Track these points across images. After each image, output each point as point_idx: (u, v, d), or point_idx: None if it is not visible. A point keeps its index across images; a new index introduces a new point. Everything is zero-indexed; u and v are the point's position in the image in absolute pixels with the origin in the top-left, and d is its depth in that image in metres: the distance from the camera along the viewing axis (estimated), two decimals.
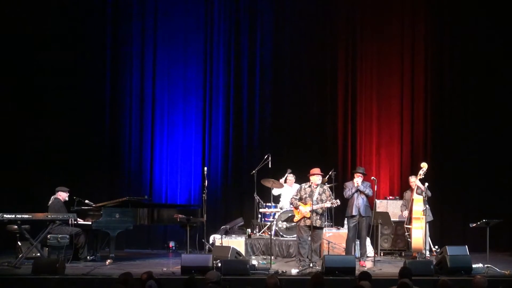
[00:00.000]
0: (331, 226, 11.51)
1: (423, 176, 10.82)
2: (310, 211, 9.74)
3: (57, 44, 12.73)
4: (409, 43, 13.27)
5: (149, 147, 13.18)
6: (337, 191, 11.06)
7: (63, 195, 10.48)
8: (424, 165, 10.82)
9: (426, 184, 10.84)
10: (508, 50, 12.85)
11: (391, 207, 11.76)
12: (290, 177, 12.05)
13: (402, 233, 11.47)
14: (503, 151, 12.81)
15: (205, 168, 11.30)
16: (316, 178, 10.00)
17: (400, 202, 11.74)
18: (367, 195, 10.42)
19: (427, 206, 10.88)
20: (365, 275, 7.12)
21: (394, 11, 13.35)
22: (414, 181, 10.89)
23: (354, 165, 12.85)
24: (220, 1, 13.44)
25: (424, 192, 10.77)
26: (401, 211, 11.38)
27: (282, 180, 12.05)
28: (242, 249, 10.64)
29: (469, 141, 13.04)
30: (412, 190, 10.97)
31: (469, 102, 13.13)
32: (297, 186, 11.47)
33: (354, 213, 10.32)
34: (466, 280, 8.24)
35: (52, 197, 10.46)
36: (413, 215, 10.77)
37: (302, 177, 10.97)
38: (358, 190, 10.32)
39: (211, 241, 11.24)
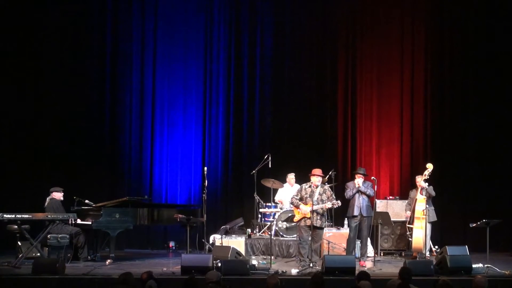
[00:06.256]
0: (331, 226, 11.51)
1: (428, 177, 10.82)
2: (310, 211, 9.74)
3: (56, 44, 12.74)
4: (409, 43, 13.27)
5: (149, 147, 13.18)
6: (337, 191, 11.06)
7: (57, 195, 10.46)
8: (430, 166, 10.80)
9: (426, 184, 10.83)
10: (509, 50, 12.85)
11: (391, 207, 11.75)
12: (291, 176, 12.06)
13: (403, 232, 11.48)
14: (503, 151, 12.81)
15: (205, 168, 11.31)
16: (315, 179, 10.00)
17: (400, 202, 11.75)
18: (368, 196, 10.44)
19: (432, 206, 10.89)
20: (364, 275, 7.12)
21: (394, 12, 13.36)
22: (419, 181, 10.88)
23: (354, 165, 12.86)
24: (220, 1, 13.45)
25: (427, 192, 10.76)
26: (405, 210, 11.35)
27: (286, 185, 12.05)
28: (242, 249, 10.64)
29: (469, 141, 13.04)
30: (417, 189, 10.95)
31: (469, 102, 13.13)
32: (297, 185, 11.50)
33: (355, 213, 10.33)
34: (466, 280, 8.25)
35: (47, 198, 10.44)
36: (415, 215, 10.78)
37: (302, 177, 10.97)
38: (359, 191, 10.33)
39: (211, 241, 11.24)
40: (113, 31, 13.18)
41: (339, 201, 9.96)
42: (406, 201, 11.50)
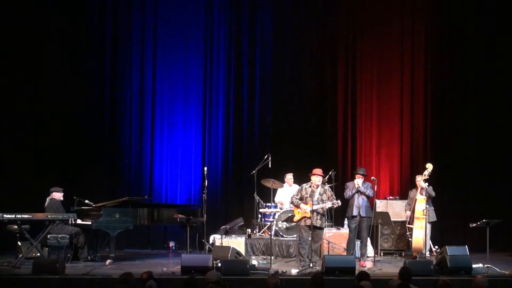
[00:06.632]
0: (331, 226, 11.51)
1: (428, 177, 10.82)
2: (310, 211, 9.74)
3: (57, 44, 12.73)
4: (409, 43, 13.27)
5: (149, 147, 13.17)
6: (337, 191, 11.06)
7: (57, 195, 10.46)
8: (429, 166, 10.80)
9: (426, 184, 10.84)
10: (509, 50, 12.84)
11: (391, 207, 11.75)
12: (289, 176, 12.07)
13: (402, 233, 11.48)
14: (503, 151, 12.81)
15: (205, 168, 11.31)
16: (315, 178, 10.01)
17: (400, 202, 11.75)
18: (367, 196, 10.44)
19: (432, 206, 10.90)
20: (364, 275, 7.12)
21: (394, 12, 13.36)
22: (419, 181, 10.88)
23: (354, 165, 12.86)
24: (220, 1, 13.45)
25: (427, 192, 10.77)
26: (405, 210, 11.36)
27: (285, 185, 12.06)
28: (242, 249, 10.64)
29: (469, 141, 13.04)
30: (417, 189, 10.96)
31: (469, 102, 13.13)
32: (296, 185, 11.49)
33: (354, 213, 10.34)
34: (466, 280, 8.25)
35: (47, 198, 10.44)
36: (415, 215, 10.78)
37: (302, 177, 10.97)
38: (358, 191, 10.34)
39: (211, 241, 11.25)
40: (113, 31, 13.18)
41: (339, 201, 9.97)
42: (406, 201, 11.51)
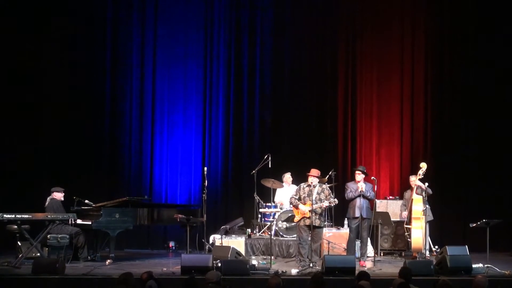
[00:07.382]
0: (331, 226, 11.51)
1: (422, 176, 10.83)
2: (309, 211, 9.74)
3: (57, 45, 12.74)
4: (409, 43, 13.28)
5: (149, 147, 13.18)
6: (337, 191, 11.06)
7: (58, 195, 10.46)
8: (424, 165, 10.83)
9: (426, 184, 10.85)
10: (509, 50, 12.84)
11: (391, 207, 11.76)
12: (287, 175, 12.06)
13: (402, 233, 11.48)
14: (503, 151, 12.80)
15: (205, 168, 11.30)
16: (310, 179, 9.97)
17: (400, 202, 11.74)
18: (370, 199, 10.43)
19: (428, 205, 10.90)
20: (364, 275, 7.12)
21: (394, 11, 13.37)
22: (414, 180, 10.89)
23: (354, 165, 12.80)
24: (220, 1, 13.46)
25: (424, 192, 10.79)
26: (401, 211, 11.38)
27: (284, 185, 12.05)
28: (242, 249, 10.64)
29: (469, 141, 13.04)
30: (412, 189, 10.97)
31: (469, 102, 13.12)
32: (294, 186, 11.49)
33: (356, 214, 10.31)
34: (466, 280, 8.25)
35: (48, 198, 10.44)
36: (413, 215, 10.77)
37: (302, 177, 10.96)
38: (361, 195, 10.30)
39: (211, 241, 11.24)
40: (113, 31, 13.19)
41: (336, 199, 9.95)
42: (401, 202, 11.51)
